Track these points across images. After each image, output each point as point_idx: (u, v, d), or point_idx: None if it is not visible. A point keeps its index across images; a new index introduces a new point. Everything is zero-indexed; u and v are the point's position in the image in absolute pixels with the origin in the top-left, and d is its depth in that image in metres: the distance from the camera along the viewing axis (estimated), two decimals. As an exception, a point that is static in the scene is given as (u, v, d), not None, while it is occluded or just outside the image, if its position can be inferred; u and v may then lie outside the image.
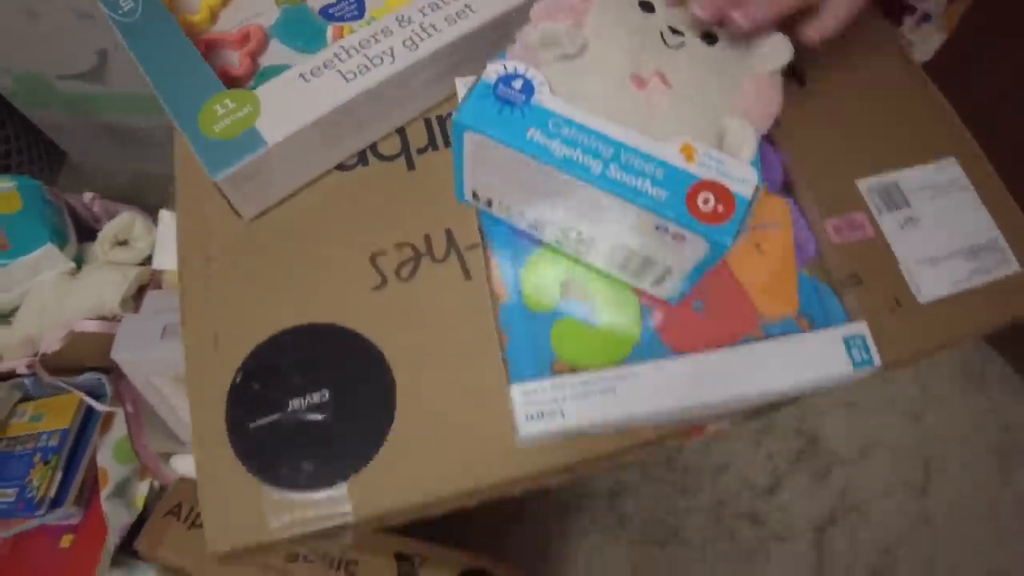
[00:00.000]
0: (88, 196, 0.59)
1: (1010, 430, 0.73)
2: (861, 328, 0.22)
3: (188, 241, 0.26)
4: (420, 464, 0.22)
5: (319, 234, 0.26)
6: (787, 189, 0.27)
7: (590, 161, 0.18)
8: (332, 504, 0.22)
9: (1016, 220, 0.28)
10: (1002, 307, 0.26)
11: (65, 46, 0.61)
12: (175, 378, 0.48)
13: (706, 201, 0.18)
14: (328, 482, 0.22)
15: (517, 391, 0.20)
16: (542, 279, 0.23)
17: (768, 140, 0.28)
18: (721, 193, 0.18)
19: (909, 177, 0.29)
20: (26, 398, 0.58)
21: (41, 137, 0.78)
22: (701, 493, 0.69)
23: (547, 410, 0.19)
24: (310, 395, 0.23)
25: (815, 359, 0.21)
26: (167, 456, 0.53)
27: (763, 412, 0.27)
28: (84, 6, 0.56)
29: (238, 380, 0.23)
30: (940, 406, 0.74)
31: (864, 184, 0.28)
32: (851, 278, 0.25)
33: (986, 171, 0.29)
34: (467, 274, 0.25)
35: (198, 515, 0.42)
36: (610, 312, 0.22)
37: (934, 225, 0.28)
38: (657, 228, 0.18)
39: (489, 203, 0.22)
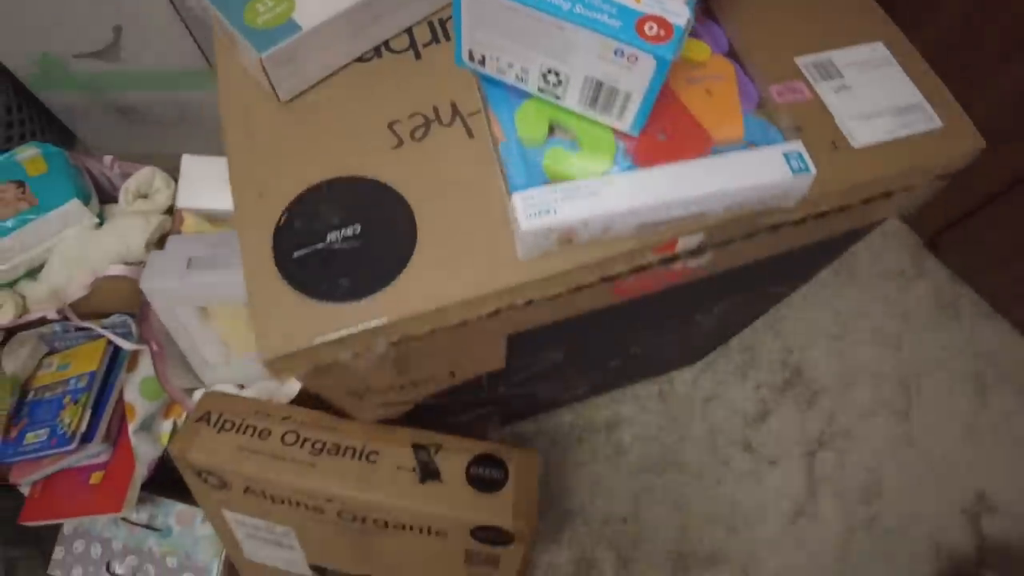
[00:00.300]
0: (108, 159, 0.63)
1: (984, 357, 0.78)
2: (798, 146, 0.26)
3: (232, 123, 0.31)
4: (439, 277, 0.26)
5: (344, 109, 0.31)
6: (732, 58, 0.32)
7: (560, 2, 0.23)
8: (367, 311, 0.26)
9: (937, 88, 0.33)
10: (927, 152, 0.31)
11: (81, 24, 0.65)
12: (199, 309, 0.52)
13: (651, 28, 0.23)
14: (362, 294, 0.26)
15: (518, 197, 0.24)
16: (532, 121, 0.27)
17: (714, 20, 0.32)
18: (662, 23, 0.23)
19: (841, 54, 0.34)
20: (51, 352, 0.62)
21: (53, 121, 0.81)
22: (694, 423, 0.73)
23: (542, 209, 0.24)
24: (344, 229, 0.27)
25: (761, 166, 0.25)
26: (190, 392, 0.56)
27: (731, 243, 0.31)
28: (102, -18, 0.60)
29: (282, 221, 0.28)
30: (917, 336, 0.78)
31: (801, 60, 0.33)
32: (793, 129, 0.30)
33: (910, 52, 0.34)
34: (470, 133, 0.29)
35: (226, 421, 0.45)
36: (590, 142, 0.27)
37: (865, 91, 0.32)
38: (615, 53, 0.23)
39: (483, 60, 0.27)
